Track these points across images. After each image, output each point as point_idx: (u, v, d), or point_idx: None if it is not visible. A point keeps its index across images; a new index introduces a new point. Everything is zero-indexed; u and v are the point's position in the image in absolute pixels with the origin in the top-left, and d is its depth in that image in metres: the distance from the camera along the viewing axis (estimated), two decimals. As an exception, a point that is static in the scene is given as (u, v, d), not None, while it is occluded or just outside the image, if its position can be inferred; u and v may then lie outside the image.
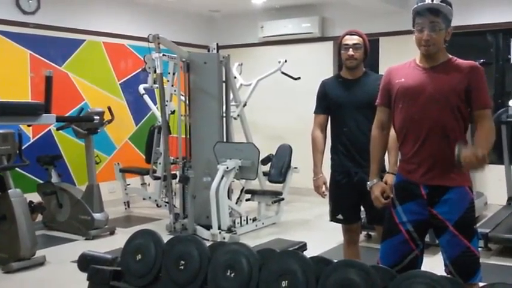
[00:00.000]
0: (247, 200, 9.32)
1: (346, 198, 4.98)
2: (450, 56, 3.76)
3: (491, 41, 10.17)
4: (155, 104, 10.16)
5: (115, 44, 10.60)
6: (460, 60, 3.73)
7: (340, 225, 5.13)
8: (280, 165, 9.23)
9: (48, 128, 9.32)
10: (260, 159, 8.39)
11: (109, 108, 9.10)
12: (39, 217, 8.62)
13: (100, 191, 8.39)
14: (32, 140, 9.12)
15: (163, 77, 8.38)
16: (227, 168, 7.91)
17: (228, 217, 8.03)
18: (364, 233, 7.64)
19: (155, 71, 8.50)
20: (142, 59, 9.47)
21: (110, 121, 9.13)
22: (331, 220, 5.13)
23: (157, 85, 8.65)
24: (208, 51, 9.01)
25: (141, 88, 9.95)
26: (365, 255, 5.32)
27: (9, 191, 6.75)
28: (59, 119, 7.83)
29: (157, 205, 9.85)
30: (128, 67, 10.85)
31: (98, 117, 8.38)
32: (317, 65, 11.15)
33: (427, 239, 3.93)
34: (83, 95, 9.97)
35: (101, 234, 8.22)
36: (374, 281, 2.87)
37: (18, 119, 6.98)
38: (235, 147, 8.28)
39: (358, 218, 5.11)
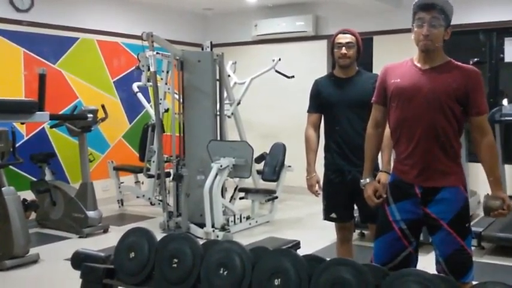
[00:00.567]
0: (240, 198, 9.34)
1: (339, 197, 4.98)
2: (449, 59, 3.74)
3: (484, 40, 10.19)
4: (149, 102, 10.15)
5: (109, 42, 10.59)
6: (459, 64, 3.71)
7: (333, 223, 5.14)
8: (274, 163, 9.24)
9: (41, 126, 9.31)
10: (254, 157, 8.40)
11: (103, 106, 9.09)
12: (33, 215, 8.64)
13: (94, 189, 8.40)
14: (25, 138, 9.11)
15: (157, 75, 8.39)
16: (221, 166, 7.91)
17: (222, 215, 8.04)
18: (357, 231, 7.66)
19: (149, 69, 8.51)
20: (136, 57, 9.47)
21: (103, 119, 9.11)
22: (325, 218, 5.14)
23: (151, 83, 8.66)
24: (202, 49, 9.01)
25: (135, 86, 9.94)
26: (358, 253, 5.35)
27: (2, 188, 6.75)
28: (52, 117, 7.83)
29: (151, 203, 9.85)
30: (121, 65, 10.85)
31: (91, 115, 8.40)
32: (311, 63, 11.15)
33: (420, 237, 3.94)
34: (77, 93, 9.96)
35: (94, 232, 8.22)
36: (366, 279, 2.88)
37: (11, 117, 6.97)
38: (229, 146, 8.29)
39: (352, 217, 5.11)
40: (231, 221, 8.30)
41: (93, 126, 8.66)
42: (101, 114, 8.94)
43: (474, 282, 3.15)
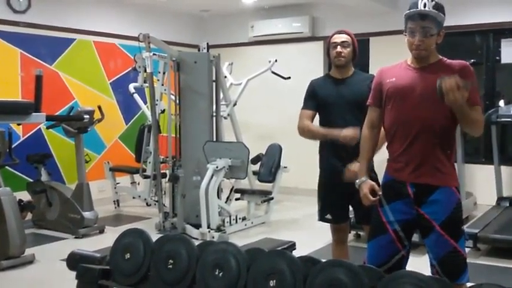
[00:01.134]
0: (236, 199, 9.36)
1: (334, 198, 4.98)
2: (440, 57, 3.79)
3: (481, 42, 10.21)
4: (145, 103, 10.14)
5: (105, 43, 10.59)
6: (450, 60, 3.76)
7: (329, 224, 5.14)
8: (270, 164, 9.25)
9: (38, 127, 9.31)
10: (250, 158, 8.40)
11: (99, 107, 9.08)
12: (29, 215, 8.64)
13: (90, 189, 8.38)
14: (22, 139, 9.12)
15: (154, 76, 8.40)
16: (217, 167, 7.91)
17: (218, 216, 8.04)
18: (352, 232, 7.67)
19: (145, 70, 8.50)
20: (133, 58, 9.50)
21: (100, 120, 9.10)
22: (320, 220, 5.13)
23: (147, 84, 8.69)
24: (199, 50, 9.03)
25: (131, 87, 9.95)
26: (354, 254, 5.36)
27: (-2, 189, 6.76)
28: (49, 118, 7.85)
29: (147, 204, 9.87)
30: (118, 66, 10.85)
31: (88, 116, 8.40)
32: (307, 64, 11.16)
33: (415, 238, 3.95)
34: (73, 94, 9.97)
35: (90, 232, 8.23)
36: (362, 280, 2.89)
37: (8, 118, 6.96)
38: (225, 147, 8.30)
39: (347, 218, 5.12)
40: (227, 222, 8.30)
41: (90, 127, 8.66)
42: (97, 115, 8.92)
43: (470, 284, 3.16)
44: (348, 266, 2.97)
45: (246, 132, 10.13)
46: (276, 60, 10.27)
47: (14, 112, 6.82)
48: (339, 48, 4.85)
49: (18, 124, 8.49)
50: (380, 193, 3.92)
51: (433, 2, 3.62)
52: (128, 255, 3.63)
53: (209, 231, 7.77)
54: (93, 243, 7.56)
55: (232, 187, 9.44)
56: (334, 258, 4.89)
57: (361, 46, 5.07)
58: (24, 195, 8.29)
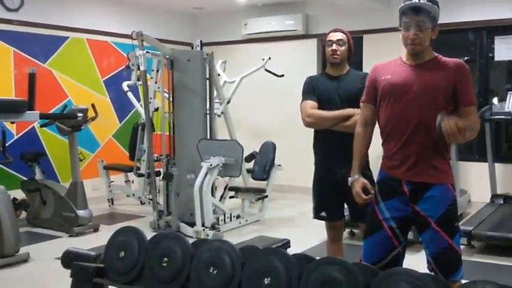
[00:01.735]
0: (230, 197, 9.36)
1: (329, 196, 4.98)
2: (436, 54, 3.79)
3: (474, 39, 10.22)
4: (139, 101, 10.15)
5: (99, 41, 10.58)
6: (445, 58, 3.77)
7: (323, 222, 5.14)
8: (263, 162, 9.24)
9: (32, 125, 9.30)
10: (244, 156, 8.40)
11: (93, 105, 9.07)
12: (23, 214, 8.63)
13: (84, 188, 8.38)
14: (15, 137, 9.11)
15: (147, 74, 8.39)
16: (211, 165, 7.91)
17: (212, 214, 8.04)
18: (347, 230, 7.67)
19: (139, 68, 8.49)
20: (126, 56, 9.48)
21: (93, 118, 9.08)
22: (315, 217, 5.14)
23: (141, 82, 8.68)
24: (192, 48, 9.04)
25: (125, 85, 9.92)
26: (349, 252, 5.36)
27: (-8, 188, 6.75)
28: (42, 116, 7.83)
29: (141, 202, 9.87)
30: (111, 64, 10.84)
31: (81, 114, 8.37)
32: (301, 62, 11.17)
33: (410, 236, 3.96)
34: (67, 92, 9.96)
35: (84, 231, 8.22)
36: (356, 278, 2.88)
37: (1, 116, 6.94)
38: (219, 145, 8.30)
39: (342, 215, 5.12)
40: (221, 220, 8.32)
41: (83, 125, 8.65)
42: (91, 113, 8.90)
43: (464, 281, 3.16)
44: (342, 263, 2.96)
45: (239, 130, 10.13)
46: (269, 58, 10.27)
47: (7, 110, 6.81)
48: (334, 47, 4.87)
49: (12, 122, 8.50)
50: (372, 192, 3.93)
51: None
52: (122, 253, 3.63)
53: (203, 229, 7.78)
54: (87, 241, 7.54)
55: (227, 185, 9.44)
56: (328, 255, 4.90)
57: (354, 44, 5.07)
58: (19, 194, 8.30)
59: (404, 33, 3.68)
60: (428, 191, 3.68)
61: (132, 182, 10.25)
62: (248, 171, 9.55)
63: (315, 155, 5.11)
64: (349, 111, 4.74)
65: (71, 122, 8.36)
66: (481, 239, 7.29)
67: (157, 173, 8.84)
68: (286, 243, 5.72)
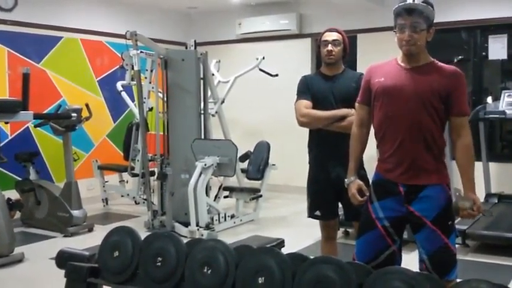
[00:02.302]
0: (225, 197, 9.36)
1: (323, 195, 4.98)
2: (432, 59, 3.78)
3: (468, 38, 10.24)
4: (133, 101, 10.13)
5: (93, 41, 10.57)
6: (442, 64, 3.76)
7: (318, 221, 5.15)
8: (258, 162, 9.25)
9: (26, 125, 9.28)
10: (238, 156, 8.40)
11: (87, 105, 9.06)
12: (18, 214, 8.62)
13: (78, 188, 8.37)
14: (9, 137, 9.09)
15: (141, 74, 8.39)
16: (205, 165, 7.91)
17: (206, 214, 8.04)
18: (341, 229, 7.68)
19: (133, 68, 8.49)
20: (120, 56, 9.47)
21: (87, 118, 9.07)
22: (309, 216, 5.14)
23: (135, 82, 8.67)
24: (186, 48, 9.02)
25: (119, 85, 9.90)
26: (343, 251, 5.36)
27: (-14, 188, 6.74)
28: (36, 116, 7.82)
29: (135, 202, 9.86)
30: (105, 64, 10.83)
31: (75, 115, 8.36)
32: (295, 61, 11.18)
33: (404, 235, 3.95)
34: (61, 92, 9.95)
35: (79, 231, 8.21)
36: (349, 277, 2.88)
37: (-5, 116, 6.96)
38: (213, 144, 8.30)
39: (336, 215, 5.13)
40: (216, 220, 8.32)
41: (78, 126, 8.63)
42: (85, 113, 8.89)
43: (458, 280, 3.16)
44: (336, 262, 2.96)
45: (234, 129, 10.14)
46: (263, 58, 10.26)
47: (1, 110, 6.80)
48: (329, 47, 4.87)
49: (6, 122, 8.49)
50: (367, 193, 3.93)
51: None
52: (116, 253, 3.62)
53: (198, 229, 7.78)
54: (81, 241, 7.54)
55: (221, 185, 9.44)
56: (323, 255, 4.90)
57: (350, 44, 5.07)
58: (13, 194, 8.28)
59: (399, 35, 3.67)
60: (423, 191, 3.69)
61: (127, 182, 10.25)
62: (242, 171, 9.55)
63: (309, 154, 5.11)
64: (343, 111, 4.76)
65: (65, 122, 8.35)
66: (476, 238, 7.31)
67: (152, 173, 8.83)
68: (281, 243, 5.73)
